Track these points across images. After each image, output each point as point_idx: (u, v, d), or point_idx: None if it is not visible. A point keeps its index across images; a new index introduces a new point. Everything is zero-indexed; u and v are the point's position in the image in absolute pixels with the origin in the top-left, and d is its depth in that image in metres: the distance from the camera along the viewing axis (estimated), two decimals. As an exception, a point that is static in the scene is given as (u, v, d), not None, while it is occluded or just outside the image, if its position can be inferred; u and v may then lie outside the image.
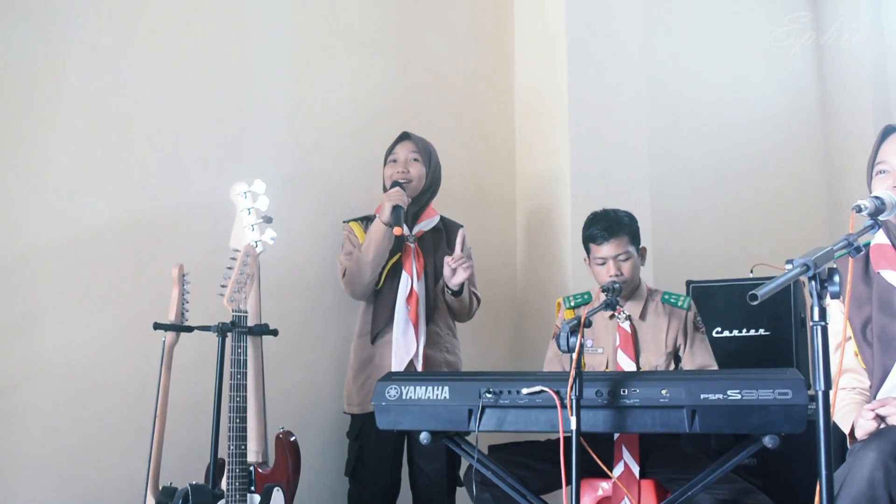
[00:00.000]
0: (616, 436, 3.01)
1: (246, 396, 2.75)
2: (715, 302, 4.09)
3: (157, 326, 2.81)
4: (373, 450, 3.29)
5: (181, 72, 3.34)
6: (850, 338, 2.41)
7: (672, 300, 3.28)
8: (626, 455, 3.03)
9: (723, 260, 4.77)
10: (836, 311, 2.45)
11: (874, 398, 2.28)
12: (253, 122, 3.50)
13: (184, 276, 2.88)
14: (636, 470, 3.02)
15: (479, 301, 3.58)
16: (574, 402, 2.44)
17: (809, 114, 6.12)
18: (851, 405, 2.34)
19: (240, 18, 3.52)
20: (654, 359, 3.21)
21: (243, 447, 2.72)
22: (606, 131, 4.28)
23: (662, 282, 4.26)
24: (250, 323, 2.87)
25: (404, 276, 3.36)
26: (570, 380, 2.45)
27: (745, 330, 4.03)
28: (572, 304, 3.32)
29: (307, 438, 3.43)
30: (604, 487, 3.11)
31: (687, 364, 3.24)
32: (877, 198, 2.15)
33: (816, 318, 1.70)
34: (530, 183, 4.30)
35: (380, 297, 3.39)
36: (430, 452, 3.26)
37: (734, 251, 4.95)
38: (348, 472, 3.34)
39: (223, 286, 2.81)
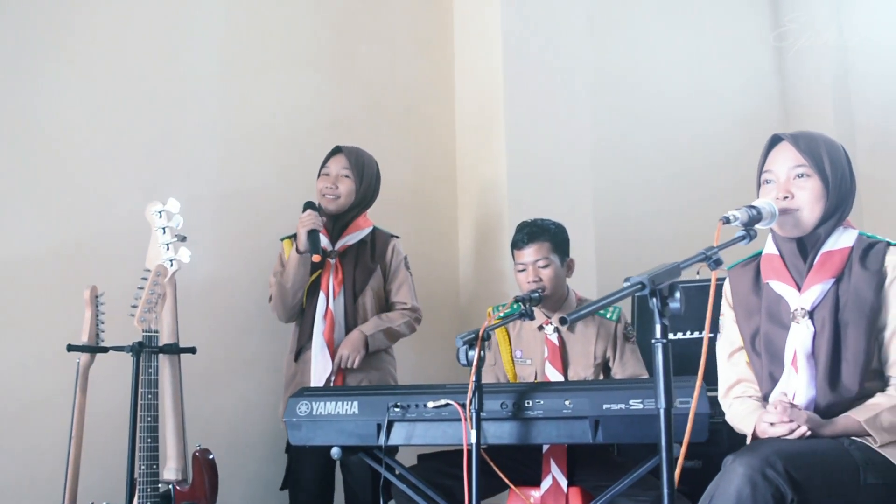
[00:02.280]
0: (545, 448, 3.01)
1: (157, 416, 2.76)
2: (657, 305, 4.08)
3: (70, 348, 2.83)
4: (304, 462, 3.29)
5: (106, 90, 3.35)
6: (742, 348, 2.40)
7: (601, 311, 3.25)
8: (554, 468, 3.02)
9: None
10: (730, 321, 2.45)
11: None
12: (181, 139, 3.50)
13: (97, 297, 2.90)
14: (564, 483, 3.00)
15: (416, 314, 3.56)
16: (474, 415, 2.46)
17: (771, 117, 6.08)
18: (753, 408, 2.33)
19: (167, 35, 3.52)
20: (582, 371, 3.20)
21: (155, 467, 2.73)
22: (546, 138, 4.25)
23: (609, 286, 4.23)
24: (166, 342, 2.88)
25: (321, 294, 3.37)
26: (469, 393, 2.45)
27: (688, 332, 4.01)
28: (502, 313, 3.31)
29: (244, 455, 3.46)
30: (534, 496, 3.10)
31: (617, 374, 3.23)
32: (752, 207, 2.14)
33: (658, 335, 1.69)
34: (472, 192, 4.29)
35: (302, 316, 3.41)
36: (356, 465, 3.26)
37: (686, 254, 4.91)
38: (284, 486, 3.35)
39: (134, 306, 2.82)
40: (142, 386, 2.76)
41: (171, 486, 2.82)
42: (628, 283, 1.69)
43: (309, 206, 3.37)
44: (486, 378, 3.34)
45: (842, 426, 2.12)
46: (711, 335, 2.55)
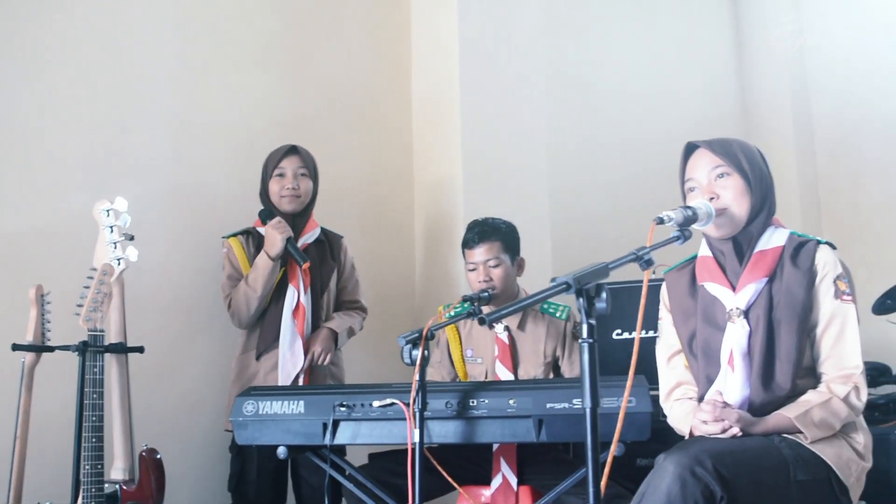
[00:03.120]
0: (495, 447, 3.02)
1: (103, 416, 2.74)
2: (616, 304, 4.08)
3: (15, 347, 2.81)
4: (255, 465, 3.28)
5: (56, 86, 3.31)
6: (681, 351, 2.44)
7: (551, 310, 3.28)
8: (504, 466, 3.04)
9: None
10: (668, 325, 2.48)
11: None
12: (132, 137, 3.46)
13: (42, 296, 2.87)
14: (514, 481, 3.03)
15: (363, 312, 3.60)
16: (417, 414, 2.47)
17: (731, 119, 6.13)
18: (691, 409, 2.36)
19: (119, 30, 3.48)
20: (532, 369, 3.22)
21: (100, 466, 2.71)
22: (502, 138, 4.26)
23: (564, 286, 4.27)
24: (113, 341, 2.87)
25: (290, 289, 3.35)
26: (413, 392, 2.46)
27: (644, 331, 4.03)
28: (451, 312, 3.33)
29: (189, 455, 3.44)
30: (485, 495, 3.12)
31: (566, 373, 3.25)
32: (688, 208, 2.17)
33: (585, 335, 1.70)
34: (428, 191, 4.30)
35: (265, 314, 3.37)
36: (315, 465, 3.26)
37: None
38: (230, 487, 3.33)
39: (80, 305, 2.80)
40: (87, 385, 2.73)
41: (117, 486, 2.81)
42: (553, 283, 1.70)
43: (268, 213, 3.37)
44: (431, 376, 3.37)
45: (773, 423, 2.15)
46: (655, 335, 2.60)
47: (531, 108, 4.42)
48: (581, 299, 1.69)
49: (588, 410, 1.69)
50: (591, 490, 1.66)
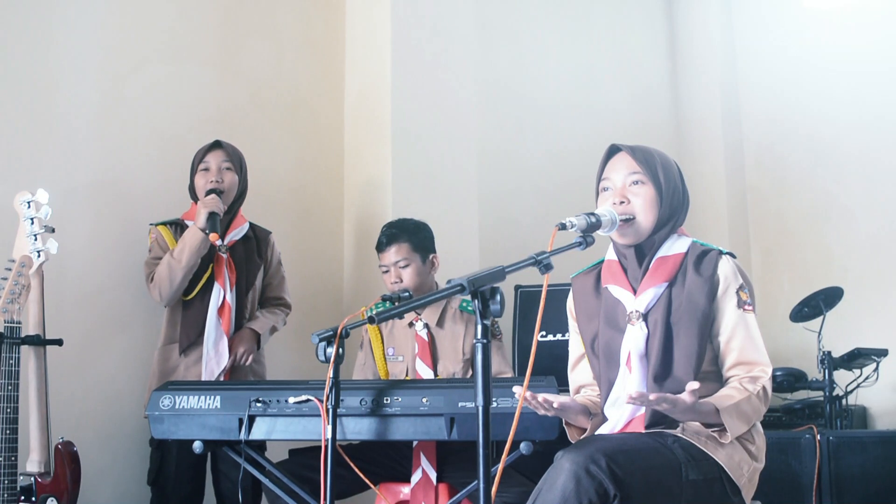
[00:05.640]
0: (414, 443, 3.07)
1: (17, 408, 2.75)
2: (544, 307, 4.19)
3: (-71, 338, 2.80)
4: (174, 458, 3.27)
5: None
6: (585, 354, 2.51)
7: (470, 308, 3.34)
8: (424, 462, 3.09)
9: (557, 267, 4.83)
10: (574, 330, 2.56)
11: (602, 410, 2.37)
12: (57, 129, 3.43)
13: (-41, 286, 2.87)
14: (433, 476, 3.08)
15: (287, 308, 3.63)
16: (330, 411, 2.51)
17: (662, 129, 6.23)
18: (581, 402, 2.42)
19: (44, 20, 3.45)
20: (451, 366, 3.28)
21: (13, 458, 2.72)
22: (433, 141, 4.31)
23: (492, 287, 4.33)
24: (31, 333, 2.87)
25: (216, 287, 3.36)
26: (326, 389, 2.50)
27: (567, 334, 4.11)
28: (373, 312, 3.37)
29: (108, 448, 3.43)
30: (404, 492, 3.17)
31: (486, 371, 3.31)
32: (591, 214, 2.23)
33: (479, 335, 1.76)
34: (358, 190, 4.33)
35: (190, 310, 3.37)
36: (234, 460, 3.28)
37: (566, 259, 5.02)
38: (150, 480, 3.34)
39: (-4, 298, 2.81)
40: (2, 377, 2.74)
41: (32, 479, 2.81)
42: (448, 285, 1.76)
43: (213, 192, 3.36)
44: (357, 377, 3.42)
45: (702, 409, 2.12)
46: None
47: (462, 112, 4.47)
48: (476, 301, 1.74)
49: (480, 409, 1.75)
50: (481, 486, 1.71)
